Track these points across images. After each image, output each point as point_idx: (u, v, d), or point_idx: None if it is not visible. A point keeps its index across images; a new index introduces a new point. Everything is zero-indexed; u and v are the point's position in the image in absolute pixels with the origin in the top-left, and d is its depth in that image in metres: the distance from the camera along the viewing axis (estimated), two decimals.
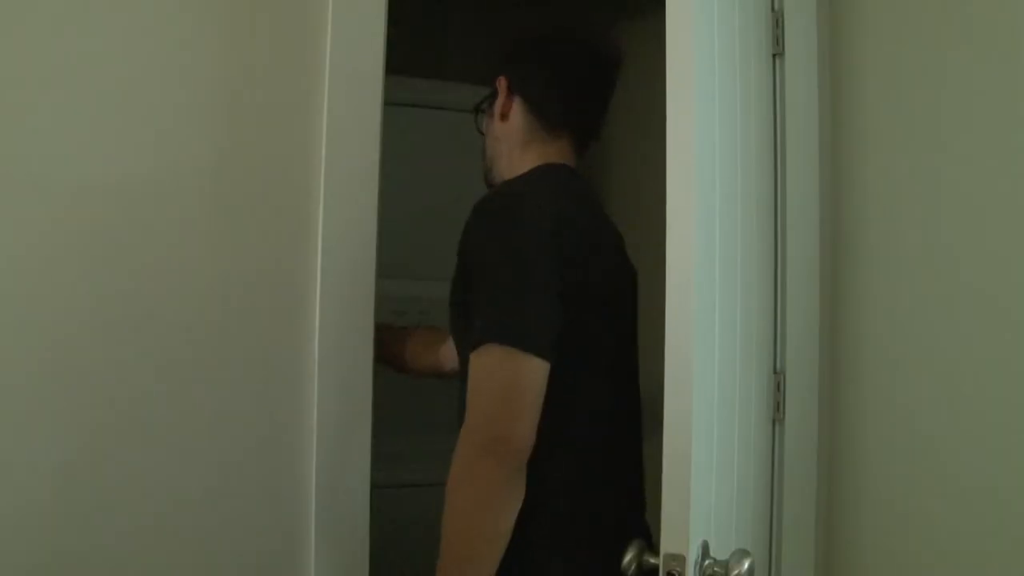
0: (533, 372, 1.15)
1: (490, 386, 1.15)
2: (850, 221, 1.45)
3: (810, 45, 1.43)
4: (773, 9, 1.41)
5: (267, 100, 1.31)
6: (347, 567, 1.31)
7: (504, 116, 1.37)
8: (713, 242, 1.08)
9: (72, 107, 1.20)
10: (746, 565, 0.98)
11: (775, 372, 1.40)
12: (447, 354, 1.53)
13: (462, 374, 1.26)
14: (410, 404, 2.53)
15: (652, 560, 1.08)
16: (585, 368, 1.23)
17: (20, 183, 1.17)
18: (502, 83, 1.38)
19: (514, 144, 1.36)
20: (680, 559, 0.96)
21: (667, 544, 0.97)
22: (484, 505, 1.15)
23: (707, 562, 0.99)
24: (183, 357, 1.25)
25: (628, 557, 1.11)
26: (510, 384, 1.14)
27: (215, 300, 1.27)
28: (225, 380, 1.27)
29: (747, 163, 1.29)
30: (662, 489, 0.98)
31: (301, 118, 1.32)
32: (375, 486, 1.35)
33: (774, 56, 1.42)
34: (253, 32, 1.30)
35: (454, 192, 2.31)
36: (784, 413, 1.39)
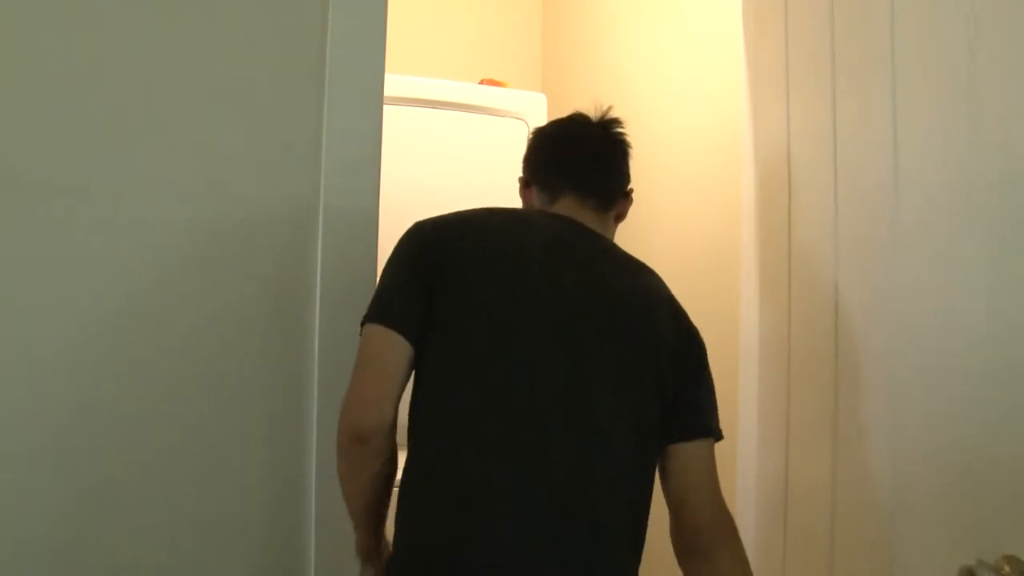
0: (379, 339, 1.21)
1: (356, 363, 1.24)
2: None
3: None
4: None
5: (267, 100, 1.31)
6: (347, 567, 1.31)
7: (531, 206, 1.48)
8: None
9: (70, 106, 1.20)
10: None
11: None
12: None
13: None
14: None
15: None
16: (461, 337, 1.24)
17: (19, 183, 1.17)
18: (520, 182, 1.50)
19: None
20: None
21: None
22: (345, 475, 1.25)
23: None
24: (182, 356, 1.25)
25: None
26: (360, 355, 1.21)
27: (214, 300, 1.27)
28: (225, 380, 1.27)
29: None
30: None
31: (301, 117, 1.32)
32: None
33: None
34: (253, 32, 1.30)
35: (454, 192, 2.32)
36: None
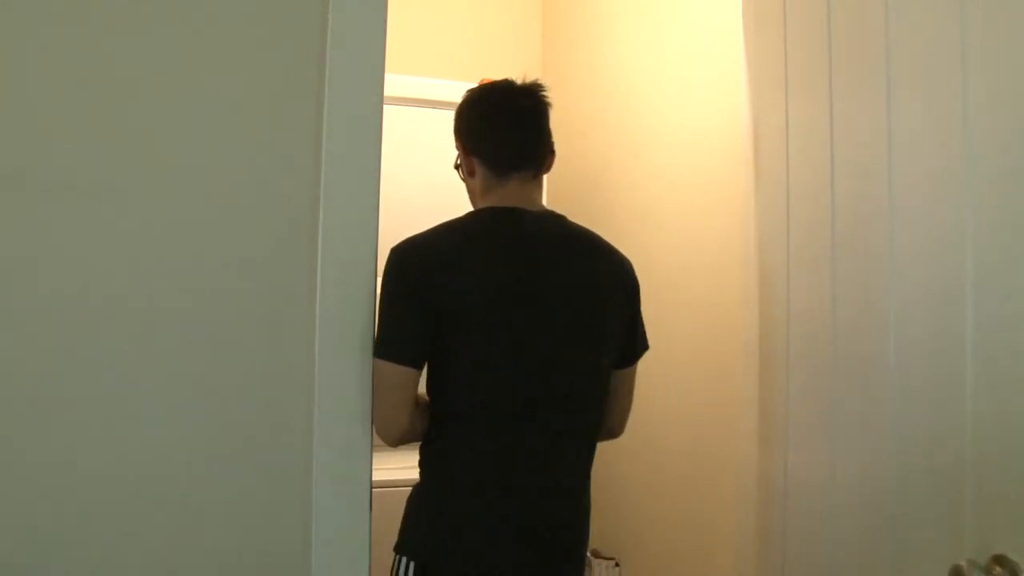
0: (388, 373, 1.48)
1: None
2: None
3: None
4: None
5: (266, 100, 1.31)
6: (347, 567, 1.31)
7: (471, 173, 1.69)
8: None
9: (69, 110, 1.20)
10: None
11: None
12: None
13: None
14: None
15: None
16: (473, 357, 1.57)
17: (18, 180, 1.18)
18: (460, 148, 1.71)
19: (478, 193, 1.70)
20: None
21: None
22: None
23: None
24: (181, 356, 1.25)
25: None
26: (376, 384, 1.42)
27: (214, 300, 1.27)
28: (224, 380, 1.27)
29: None
30: None
31: (301, 117, 1.32)
32: (375, 486, 1.36)
33: None
34: (252, 32, 1.30)
35: (454, 192, 2.32)
36: None
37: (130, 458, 1.22)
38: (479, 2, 3.16)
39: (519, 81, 1.68)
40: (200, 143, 1.27)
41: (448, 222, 1.63)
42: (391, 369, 1.48)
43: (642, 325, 1.77)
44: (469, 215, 1.67)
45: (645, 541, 2.49)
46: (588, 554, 2.14)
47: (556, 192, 2.68)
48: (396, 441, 1.58)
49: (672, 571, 2.39)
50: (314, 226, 1.32)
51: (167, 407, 1.24)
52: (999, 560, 1.16)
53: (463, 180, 1.74)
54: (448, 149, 2.61)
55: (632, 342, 1.74)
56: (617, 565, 2.59)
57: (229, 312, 1.28)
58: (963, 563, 1.18)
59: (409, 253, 1.56)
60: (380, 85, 1.36)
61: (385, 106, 1.37)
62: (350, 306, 1.33)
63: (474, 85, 2.71)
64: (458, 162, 1.74)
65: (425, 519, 1.61)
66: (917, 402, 1.40)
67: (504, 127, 1.68)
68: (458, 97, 2.65)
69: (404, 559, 1.59)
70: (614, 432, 1.80)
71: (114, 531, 1.22)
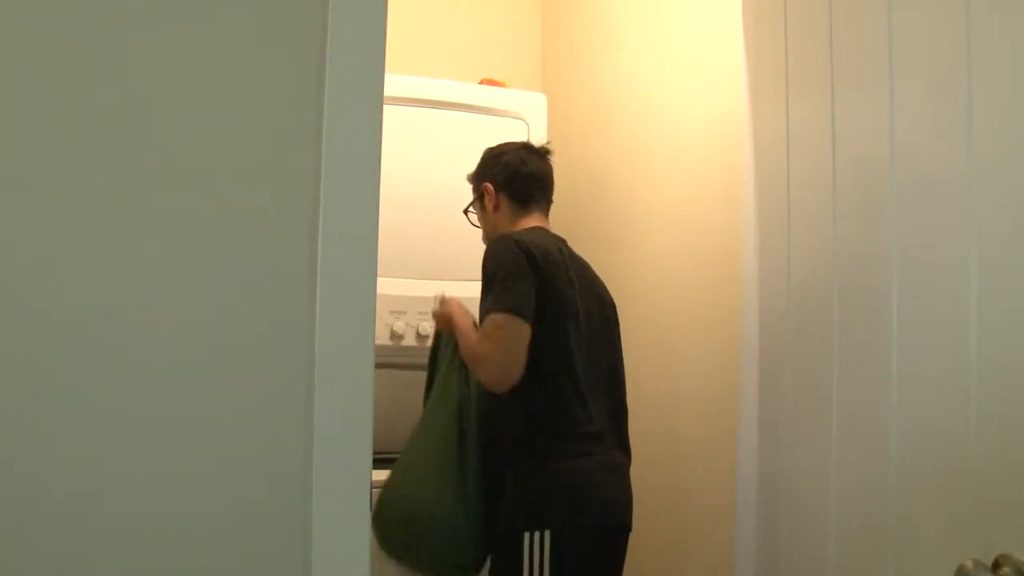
0: (518, 328, 1.88)
1: (495, 335, 1.89)
2: None
3: None
4: None
5: (266, 100, 1.31)
6: (347, 567, 1.31)
7: (496, 208, 2.16)
8: None
9: (70, 105, 1.20)
10: None
11: None
12: None
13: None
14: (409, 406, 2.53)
15: None
16: (558, 330, 1.96)
17: (20, 181, 1.17)
18: (489, 188, 2.17)
19: (506, 223, 2.15)
20: None
21: None
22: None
23: None
24: (180, 356, 1.25)
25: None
26: (504, 334, 1.87)
27: (213, 300, 1.27)
28: (224, 380, 1.27)
29: None
30: None
31: (301, 118, 1.32)
32: (375, 486, 1.35)
33: None
34: (251, 32, 1.30)
35: (455, 192, 2.33)
36: None
37: (127, 459, 1.22)
38: (479, 2, 3.16)
39: (536, 144, 2.24)
40: (198, 143, 1.27)
41: (530, 231, 2.06)
42: (521, 326, 1.86)
43: None
44: (539, 230, 2.10)
45: (645, 542, 2.48)
46: None
47: (556, 193, 2.68)
48: (507, 390, 1.89)
49: (672, 572, 2.39)
50: (314, 227, 1.32)
51: (165, 407, 1.24)
52: (1005, 559, 1.15)
53: (479, 216, 2.20)
54: (448, 149, 2.62)
55: None
56: None
57: (229, 311, 1.28)
58: (968, 562, 1.17)
59: (529, 244, 1.95)
60: (380, 85, 1.35)
61: (385, 106, 1.37)
62: (351, 306, 1.33)
63: (474, 84, 2.72)
64: (469, 206, 2.22)
65: (552, 486, 1.90)
66: (920, 399, 1.40)
67: (531, 171, 2.16)
68: (458, 97, 2.66)
69: (537, 534, 1.83)
70: None
71: (111, 532, 1.21)
